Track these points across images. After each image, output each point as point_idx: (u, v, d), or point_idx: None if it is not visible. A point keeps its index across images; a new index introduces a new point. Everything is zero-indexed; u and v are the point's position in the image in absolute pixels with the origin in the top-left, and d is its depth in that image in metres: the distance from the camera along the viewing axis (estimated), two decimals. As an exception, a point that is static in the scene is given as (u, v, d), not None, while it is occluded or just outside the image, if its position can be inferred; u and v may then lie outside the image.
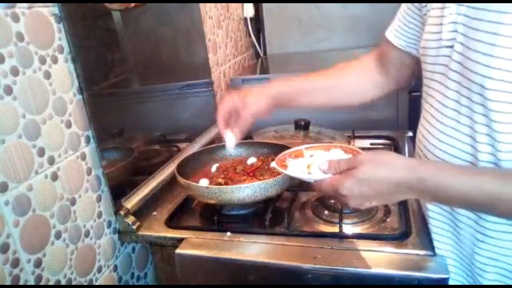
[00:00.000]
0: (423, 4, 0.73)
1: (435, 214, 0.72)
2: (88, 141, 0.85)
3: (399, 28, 0.81)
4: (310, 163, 0.72)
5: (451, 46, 0.62)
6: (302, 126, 1.25)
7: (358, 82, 0.93)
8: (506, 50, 0.53)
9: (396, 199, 0.64)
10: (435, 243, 0.73)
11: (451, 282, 0.70)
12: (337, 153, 0.73)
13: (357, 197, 0.62)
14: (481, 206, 0.58)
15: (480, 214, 0.63)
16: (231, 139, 0.88)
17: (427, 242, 0.76)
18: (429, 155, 0.68)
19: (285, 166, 0.75)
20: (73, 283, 0.81)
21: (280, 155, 0.79)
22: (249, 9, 1.96)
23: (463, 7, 0.59)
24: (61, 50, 0.78)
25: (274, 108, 0.89)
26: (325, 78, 0.93)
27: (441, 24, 0.63)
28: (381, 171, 0.60)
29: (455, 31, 0.60)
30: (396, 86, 0.91)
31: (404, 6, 0.80)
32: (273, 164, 0.76)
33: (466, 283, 0.71)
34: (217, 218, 0.92)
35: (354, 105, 0.93)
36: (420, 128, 0.73)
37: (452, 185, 0.57)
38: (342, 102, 0.94)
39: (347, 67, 0.95)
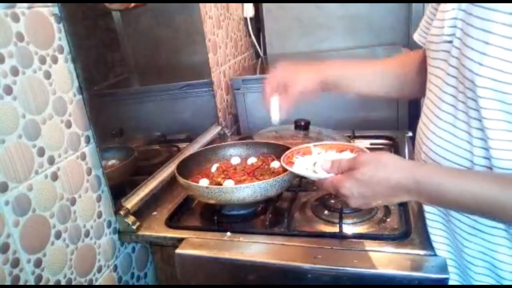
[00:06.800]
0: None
1: (431, 215, 0.72)
2: (88, 141, 0.85)
3: (424, 28, 0.79)
4: (316, 161, 0.72)
5: (451, 42, 0.62)
6: (302, 126, 1.25)
7: (401, 78, 0.88)
8: (497, 49, 0.52)
9: (395, 200, 0.64)
10: (433, 244, 0.73)
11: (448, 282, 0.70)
12: (346, 154, 0.74)
13: (357, 198, 0.62)
14: (475, 210, 0.57)
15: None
16: (276, 110, 0.83)
17: (427, 242, 0.76)
18: (425, 150, 0.68)
19: (291, 163, 0.76)
20: (73, 283, 0.81)
21: (288, 152, 0.80)
22: (249, 9, 1.95)
23: (464, 3, 0.59)
24: (61, 50, 0.78)
25: (322, 92, 0.85)
26: (374, 64, 0.90)
27: (443, 19, 0.63)
28: (380, 172, 0.60)
29: (455, 26, 0.60)
30: (418, 92, 0.84)
31: (429, 6, 0.78)
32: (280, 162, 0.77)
33: (459, 280, 0.71)
34: (217, 218, 0.92)
35: (391, 98, 0.89)
36: (419, 123, 0.73)
37: (446, 187, 0.56)
38: (382, 93, 0.89)
39: (403, 58, 0.90)
